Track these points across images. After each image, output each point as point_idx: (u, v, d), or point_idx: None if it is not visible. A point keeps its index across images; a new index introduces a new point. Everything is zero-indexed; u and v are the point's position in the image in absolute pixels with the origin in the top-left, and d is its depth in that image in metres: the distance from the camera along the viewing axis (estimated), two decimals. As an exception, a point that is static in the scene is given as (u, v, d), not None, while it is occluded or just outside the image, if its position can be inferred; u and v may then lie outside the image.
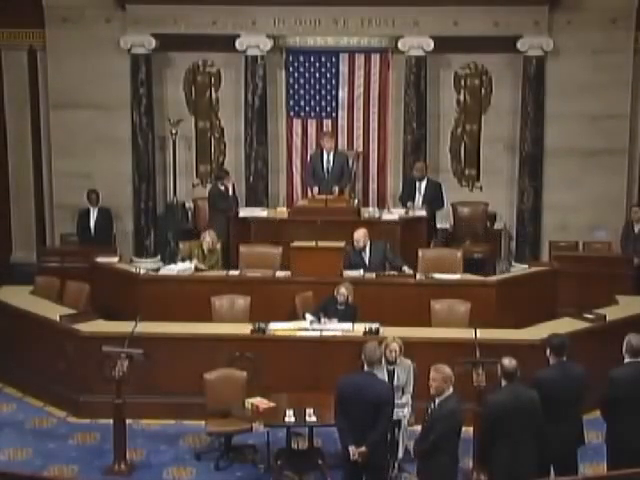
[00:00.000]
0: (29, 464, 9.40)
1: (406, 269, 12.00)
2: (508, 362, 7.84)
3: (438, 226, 14.16)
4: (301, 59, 14.81)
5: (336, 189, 13.69)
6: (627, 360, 8.22)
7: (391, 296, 11.49)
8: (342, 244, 11.96)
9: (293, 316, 11.04)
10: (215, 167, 15.01)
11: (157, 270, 12.72)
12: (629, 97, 14.42)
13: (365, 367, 8.23)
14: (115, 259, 12.87)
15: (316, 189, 13.87)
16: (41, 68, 14.93)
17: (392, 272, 12.02)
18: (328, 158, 14.03)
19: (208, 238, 12.39)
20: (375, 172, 14.97)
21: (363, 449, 7.92)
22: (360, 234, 12.00)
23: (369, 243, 12.07)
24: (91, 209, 14.26)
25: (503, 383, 7.88)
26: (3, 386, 11.42)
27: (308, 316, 10.73)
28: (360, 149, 14.87)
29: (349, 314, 10.74)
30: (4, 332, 11.44)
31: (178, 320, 10.81)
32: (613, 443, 8.14)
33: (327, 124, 14.85)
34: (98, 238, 13.98)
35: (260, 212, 13.64)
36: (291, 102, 14.88)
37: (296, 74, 14.82)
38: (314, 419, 8.87)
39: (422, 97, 14.41)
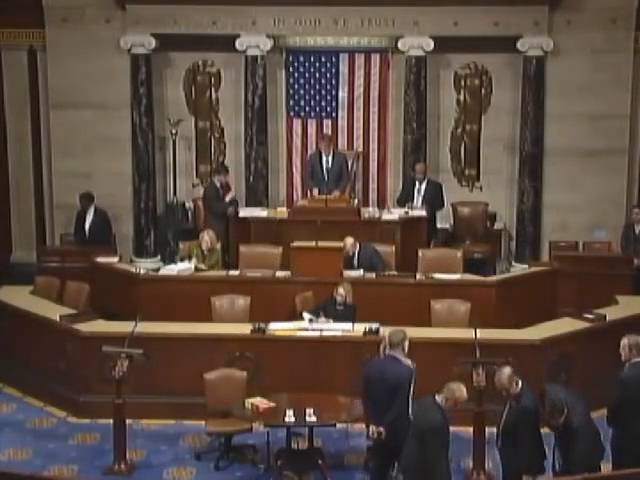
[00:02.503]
0: (29, 464, 9.40)
1: None
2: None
3: (438, 226, 14.17)
4: (301, 59, 14.81)
5: (337, 193, 13.66)
6: (635, 360, 8.18)
7: (391, 296, 11.50)
8: (342, 244, 11.96)
9: (293, 316, 11.03)
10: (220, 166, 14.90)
11: (157, 270, 12.72)
12: (629, 97, 14.42)
13: (387, 350, 8.50)
14: (115, 259, 12.87)
15: (316, 190, 13.87)
16: (41, 68, 14.93)
17: (392, 272, 12.06)
18: (327, 159, 14.02)
19: (207, 237, 12.38)
20: (375, 172, 14.98)
21: (380, 429, 8.16)
22: (347, 244, 12.04)
23: (358, 247, 12.11)
24: (87, 211, 14.07)
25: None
26: (3, 386, 11.42)
27: (305, 315, 10.73)
28: (360, 149, 14.88)
29: (348, 314, 10.75)
30: (4, 332, 11.44)
31: (178, 320, 10.81)
32: (621, 446, 8.08)
33: (327, 124, 14.86)
34: (93, 240, 13.82)
35: (260, 212, 13.63)
36: (291, 102, 14.89)
37: (296, 74, 14.82)
38: (314, 419, 8.87)
39: (422, 97, 14.41)
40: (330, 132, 14.68)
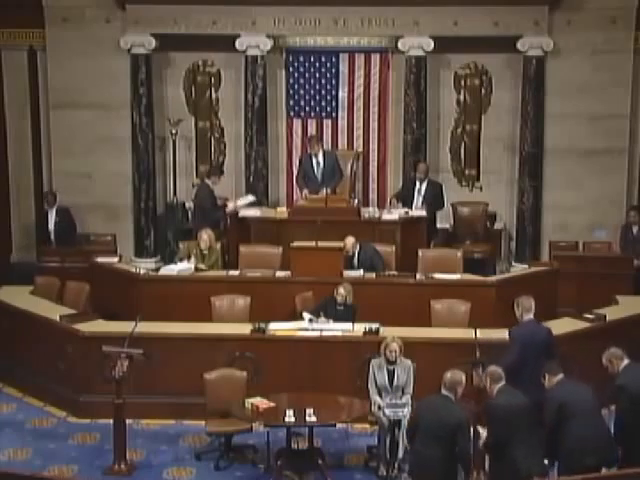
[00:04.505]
0: (29, 464, 9.40)
1: None
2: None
3: (438, 226, 14.16)
4: (301, 59, 14.81)
5: (328, 191, 13.54)
6: (623, 366, 8.20)
7: (391, 296, 11.49)
8: (342, 244, 11.96)
9: (293, 316, 11.04)
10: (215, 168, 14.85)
11: (157, 270, 12.72)
12: (629, 97, 14.42)
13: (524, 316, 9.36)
14: (115, 259, 12.87)
15: (305, 190, 13.78)
16: (41, 68, 14.93)
17: (392, 272, 12.06)
18: (317, 160, 13.93)
19: (205, 237, 12.32)
20: (375, 172, 14.97)
21: None
22: (348, 244, 12.03)
23: (358, 247, 12.10)
24: (49, 211, 14.04)
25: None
26: (3, 386, 11.42)
27: (305, 315, 10.74)
28: (360, 149, 14.86)
29: (348, 314, 10.75)
30: (4, 332, 11.44)
31: (178, 320, 10.81)
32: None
33: (327, 124, 14.85)
34: (58, 241, 13.79)
35: (255, 212, 13.49)
36: (291, 102, 14.88)
37: (296, 74, 14.82)
38: (314, 419, 8.87)
39: (422, 97, 14.41)
40: (330, 132, 14.71)
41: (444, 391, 7.86)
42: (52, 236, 14.02)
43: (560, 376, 8.07)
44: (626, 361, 8.21)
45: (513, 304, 9.57)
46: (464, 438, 7.70)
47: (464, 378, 7.92)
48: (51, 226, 14.04)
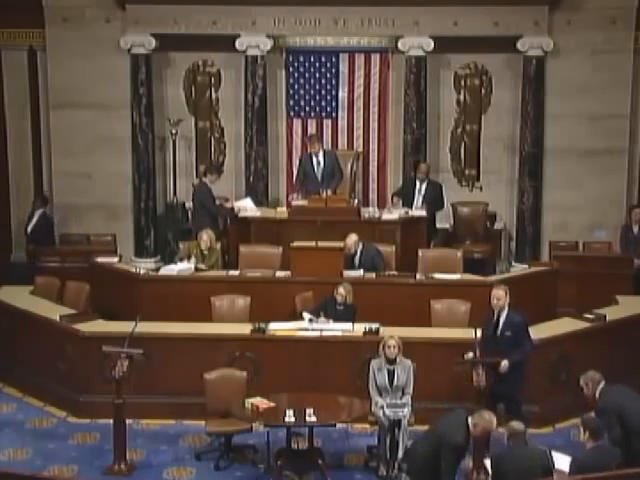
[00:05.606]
0: (29, 464, 9.39)
1: None
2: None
3: (438, 226, 14.17)
4: (301, 59, 14.81)
5: (329, 192, 13.52)
6: (600, 388, 8.23)
7: (391, 296, 11.49)
8: (342, 244, 11.96)
9: (293, 316, 11.04)
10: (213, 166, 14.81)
11: (157, 270, 12.72)
12: (629, 97, 14.42)
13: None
14: (115, 259, 12.87)
15: (296, 194, 13.76)
16: (41, 68, 14.94)
17: (392, 272, 12.06)
18: (318, 160, 13.91)
19: (205, 237, 12.33)
20: (375, 172, 14.98)
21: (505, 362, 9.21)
22: (350, 242, 12.02)
23: (361, 246, 12.09)
24: (34, 213, 14.18)
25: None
26: (3, 386, 11.41)
27: (305, 315, 10.74)
28: (360, 149, 14.87)
29: (348, 314, 10.74)
30: (4, 332, 11.44)
31: (178, 320, 10.81)
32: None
33: (327, 124, 14.86)
34: (33, 243, 13.87)
35: (255, 211, 13.49)
36: (291, 102, 14.89)
37: (296, 74, 14.83)
38: (314, 419, 8.87)
39: (422, 97, 14.41)
40: (330, 132, 14.72)
41: (471, 417, 7.90)
42: (29, 236, 14.10)
43: (599, 442, 7.61)
44: (602, 384, 8.21)
45: (499, 293, 9.57)
46: (446, 460, 7.81)
47: (492, 427, 7.88)
48: (29, 228, 14.15)
